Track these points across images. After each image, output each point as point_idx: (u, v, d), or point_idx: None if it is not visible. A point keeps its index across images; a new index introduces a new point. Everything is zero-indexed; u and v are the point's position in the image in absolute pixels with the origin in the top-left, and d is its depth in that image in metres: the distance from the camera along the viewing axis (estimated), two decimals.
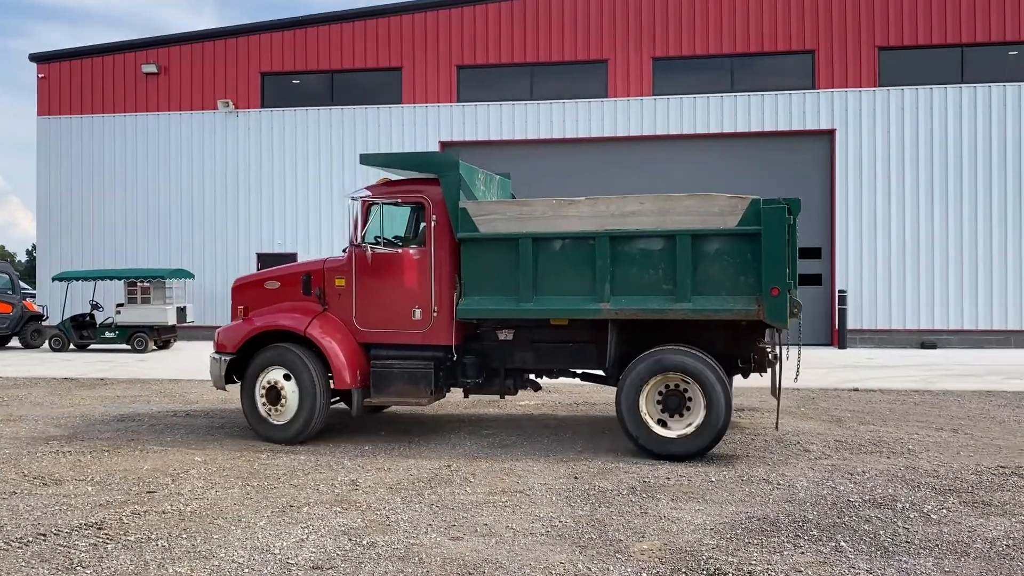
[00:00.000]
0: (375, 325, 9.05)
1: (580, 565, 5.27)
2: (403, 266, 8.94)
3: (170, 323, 21.06)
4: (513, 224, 8.57)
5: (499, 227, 8.60)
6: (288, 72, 24.24)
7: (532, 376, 9.41)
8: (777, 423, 9.11)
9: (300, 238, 23.73)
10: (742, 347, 8.67)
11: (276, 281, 9.55)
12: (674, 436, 8.15)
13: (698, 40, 22.30)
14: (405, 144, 23.26)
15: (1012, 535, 5.85)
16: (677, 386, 8.23)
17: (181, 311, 21.60)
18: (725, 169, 21.68)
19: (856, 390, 13.33)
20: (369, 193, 9.16)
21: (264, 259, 23.79)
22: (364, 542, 5.70)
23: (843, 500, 6.74)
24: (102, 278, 21.43)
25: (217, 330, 9.69)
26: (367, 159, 9.53)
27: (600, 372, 9.14)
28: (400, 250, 8.95)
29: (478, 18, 23.21)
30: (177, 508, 6.55)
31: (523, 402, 11.80)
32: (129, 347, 20.85)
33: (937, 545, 5.64)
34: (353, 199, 9.12)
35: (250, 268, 23.80)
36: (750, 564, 5.27)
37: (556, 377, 9.42)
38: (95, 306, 21.66)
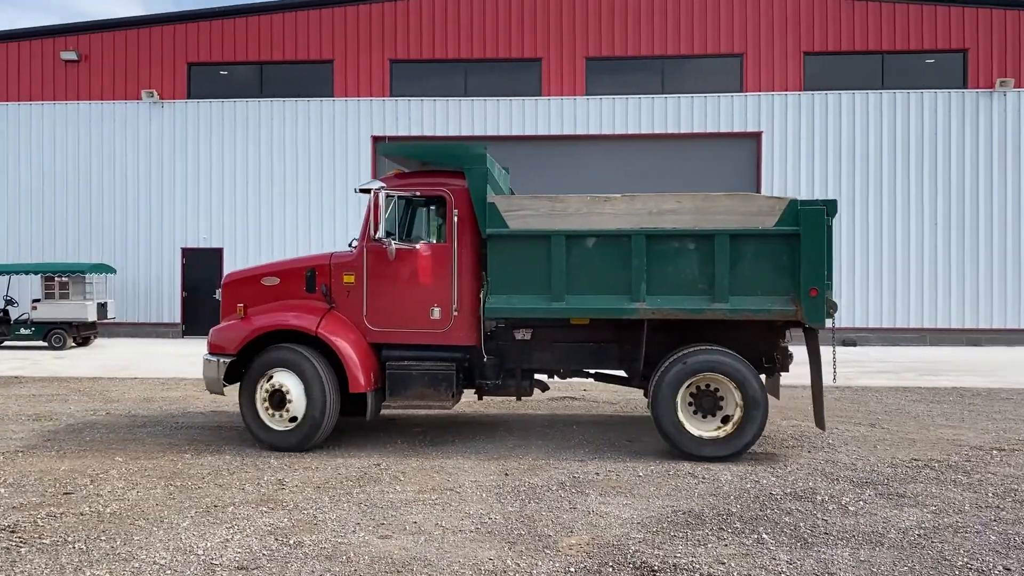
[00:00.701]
0: (388, 325, 8.57)
1: (509, 561, 5.29)
2: (421, 263, 8.48)
3: (90, 319, 20.39)
4: (545, 220, 8.25)
5: (531, 223, 8.26)
6: (216, 63, 23.70)
7: (538, 376, 9.15)
8: (823, 421, 8.47)
9: (227, 233, 23.24)
10: (766, 347, 8.58)
11: (275, 277, 8.93)
12: (710, 437, 8.05)
13: (630, 41, 22.57)
14: (336, 138, 22.99)
15: (923, 525, 6.08)
16: (708, 386, 8.15)
17: (102, 307, 20.95)
18: (655, 169, 22.01)
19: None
20: (384, 185, 8.59)
21: (189, 254, 23.25)
22: (291, 542, 5.62)
23: (765, 493, 6.91)
24: (17, 272, 20.63)
25: (211, 329, 8.94)
26: (386, 149, 9.06)
27: (619, 372, 8.97)
28: (418, 246, 8.50)
29: (412, 12, 23.06)
30: (96, 509, 6.36)
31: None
32: (46, 344, 20.12)
33: (854, 536, 5.83)
34: (364, 191, 8.64)
35: (174, 263, 23.24)
36: (675, 557, 5.37)
37: (565, 377, 9.15)
38: (9, 301, 20.84)
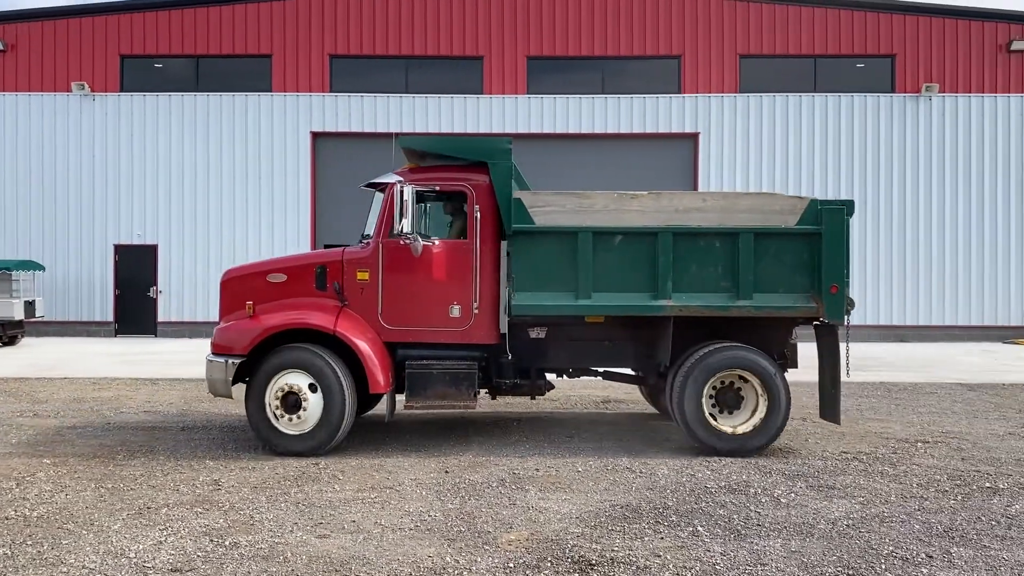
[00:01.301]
0: (405, 323, 8.35)
1: (448, 558, 5.30)
2: (441, 259, 8.30)
3: (17, 318, 19.72)
4: (571, 217, 8.18)
5: (557, 219, 8.17)
6: (150, 55, 23.14)
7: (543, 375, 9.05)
8: (839, 415, 8.63)
9: (161, 229, 22.72)
10: (777, 344, 8.69)
11: (282, 274, 8.53)
12: (736, 432, 8.16)
13: (571, 41, 22.74)
14: (275, 133, 22.66)
15: (852, 515, 6.27)
16: (731, 383, 8.26)
17: (30, 305, 20.28)
18: (595, 168, 22.21)
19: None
20: (402, 179, 8.34)
21: (122, 251, 22.66)
22: (226, 542, 5.54)
23: (701, 487, 7.05)
24: None
25: (216, 328, 8.52)
26: (405, 141, 8.67)
27: (625, 370, 9.00)
28: (437, 242, 8.34)
29: (352, 7, 22.85)
30: (22, 514, 6.17)
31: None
32: None
33: (785, 527, 5.99)
34: (377, 186, 8.31)
35: (106, 260, 22.63)
36: (612, 550, 5.44)
37: (573, 376, 9.15)
38: None
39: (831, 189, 22.44)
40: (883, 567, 5.21)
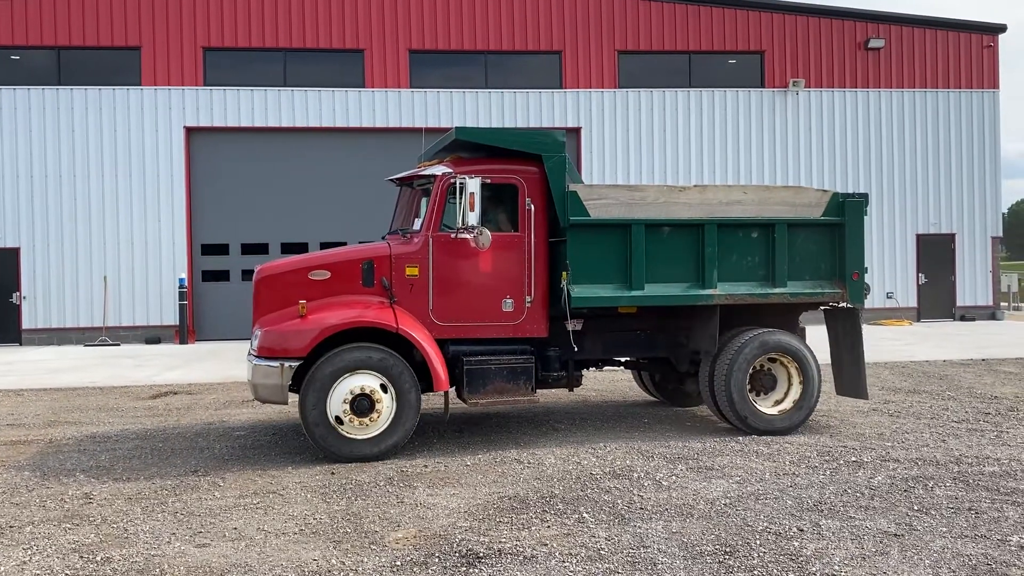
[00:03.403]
0: (457, 319, 8.19)
1: (334, 560, 5.22)
2: (493, 253, 8.15)
3: None
4: (625, 209, 8.38)
5: (611, 212, 8.35)
6: (6, 47, 21.71)
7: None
8: (867, 390, 9.20)
9: (24, 231, 21.36)
10: (789, 328, 9.12)
11: (325, 271, 8.13)
12: (775, 413, 8.64)
13: (452, 35, 22.68)
14: (145, 129, 21.65)
15: (729, 494, 6.53)
16: (763, 366, 8.65)
17: None
18: None
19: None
20: (451, 171, 8.14)
21: None
22: (98, 558, 5.28)
23: (586, 474, 7.19)
24: None
25: (261, 330, 7.90)
26: (462, 132, 8.44)
27: (664, 357, 9.19)
28: (490, 235, 8.01)
29: None
30: None
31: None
32: None
33: (667, 509, 6.17)
34: (423, 178, 8.08)
35: None
36: (500, 542, 5.48)
37: (601, 368, 9.38)
38: None
39: (707, 181, 23.24)
40: (758, 542, 5.44)
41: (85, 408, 11.20)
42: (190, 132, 21.86)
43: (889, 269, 23.74)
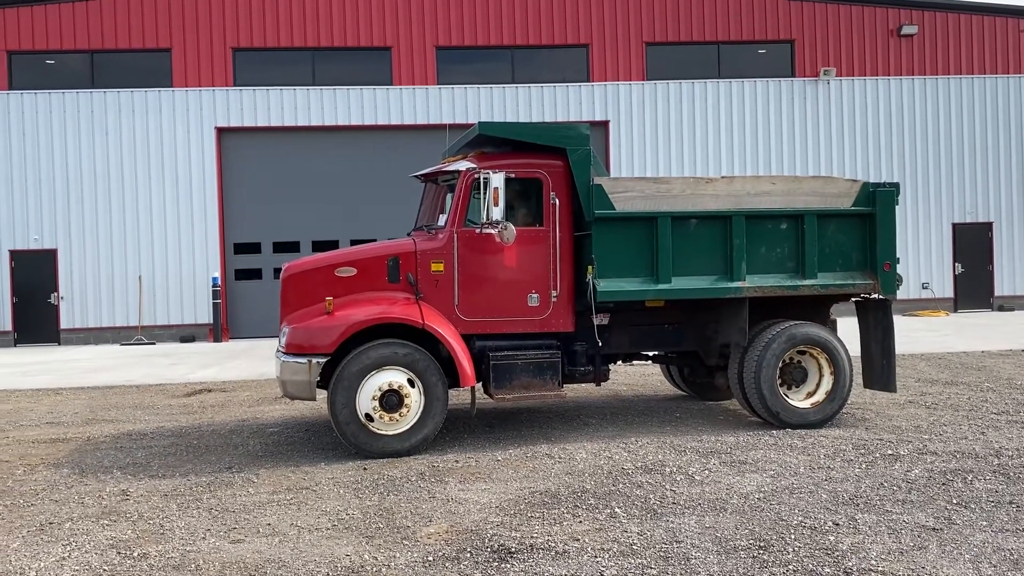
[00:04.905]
0: (482, 314, 8.20)
1: (367, 555, 5.24)
2: (518, 248, 8.14)
3: None
4: (650, 202, 8.31)
5: (637, 205, 8.28)
6: (41, 51, 22.08)
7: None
8: (896, 384, 9.06)
9: (61, 233, 21.74)
10: (820, 319, 9.03)
11: (351, 267, 8.16)
12: (807, 406, 8.55)
13: (479, 31, 22.67)
14: (177, 130, 21.92)
15: (763, 489, 6.46)
16: (793, 359, 8.57)
17: None
18: None
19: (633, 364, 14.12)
20: (475, 166, 8.13)
21: (18, 257, 21.62)
22: (135, 554, 5.35)
23: (618, 468, 7.15)
24: None
25: (289, 326, 7.96)
26: (485, 127, 8.43)
27: (693, 351, 9.14)
28: (515, 230, 8.00)
29: None
30: None
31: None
32: None
33: (700, 504, 6.12)
34: (446, 174, 8.01)
35: (1, 267, 21.54)
36: (532, 537, 5.47)
37: (627, 362, 9.40)
38: None
39: (737, 171, 23.01)
40: (793, 537, 5.37)
41: (122, 406, 11.37)
42: (221, 132, 22.08)
43: (924, 259, 23.40)
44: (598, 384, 9.11)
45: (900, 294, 9.45)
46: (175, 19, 22.07)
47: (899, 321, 9.16)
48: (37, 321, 21.54)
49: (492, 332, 8.29)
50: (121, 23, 22.03)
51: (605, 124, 22.86)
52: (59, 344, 21.51)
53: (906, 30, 23.31)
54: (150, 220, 21.87)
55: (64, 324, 21.62)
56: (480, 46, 22.78)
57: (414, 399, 7.77)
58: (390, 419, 7.73)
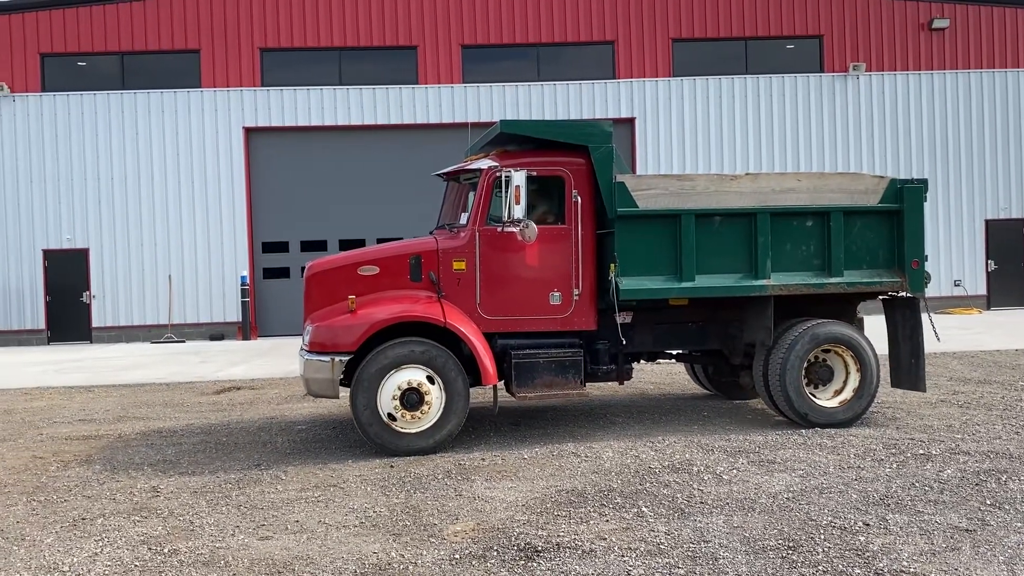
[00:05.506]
0: (504, 312, 8.19)
1: (393, 553, 5.26)
2: (540, 246, 8.12)
3: None
4: (673, 200, 8.25)
5: (660, 202, 8.22)
6: (73, 53, 22.38)
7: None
8: (926, 383, 8.95)
9: (92, 233, 22.05)
10: (847, 318, 8.94)
11: (374, 266, 8.21)
12: (833, 406, 8.45)
13: (504, 29, 22.66)
14: (206, 130, 22.13)
15: (792, 488, 6.39)
16: (818, 358, 8.49)
17: None
18: None
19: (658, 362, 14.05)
20: (497, 164, 8.13)
21: (51, 256, 21.95)
22: (165, 550, 5.41)
23: (645, 467, 7.11)
24: None
25: (312, 325, 8.02)
26: (507, 125, 8.41)
27: (717, 349, 9.06)
28: (537, 228, 7.98)
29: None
30: None
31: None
32: None
33: (728, 503, 6.07)
34: (469, 171, 8.04)
35: (35, 267, 21.90)
36: (558, 536, 5.46)
37: (650, 360, 9.37)
38: None
39: (765, 168, 22.81)
40: (822, 537, 5.32)
41: (152, 403, 11.51)
42: (249, 132, 22.27)
43: (956, 256, 23.05)
44: (621, 383, 9.07)
45: (931, 291, 9.30)
46: (203, 21, 22.28)
47: (930, 319, 8.98)
48: (70, 319, 21.85)
49: (514, 331, 8.28)
50: (151, 25, 22.27)
51: (631, 121, 22.76)
52: (91, 342, 21.81)
53: (937, 23, 22.96)
54: (179, 219, 22.11)
55: (96, 322, 21.92)
56: (505, 44, 22.77)
57: (434, 396, 7.79)
58: (412, 417, 7.75)
